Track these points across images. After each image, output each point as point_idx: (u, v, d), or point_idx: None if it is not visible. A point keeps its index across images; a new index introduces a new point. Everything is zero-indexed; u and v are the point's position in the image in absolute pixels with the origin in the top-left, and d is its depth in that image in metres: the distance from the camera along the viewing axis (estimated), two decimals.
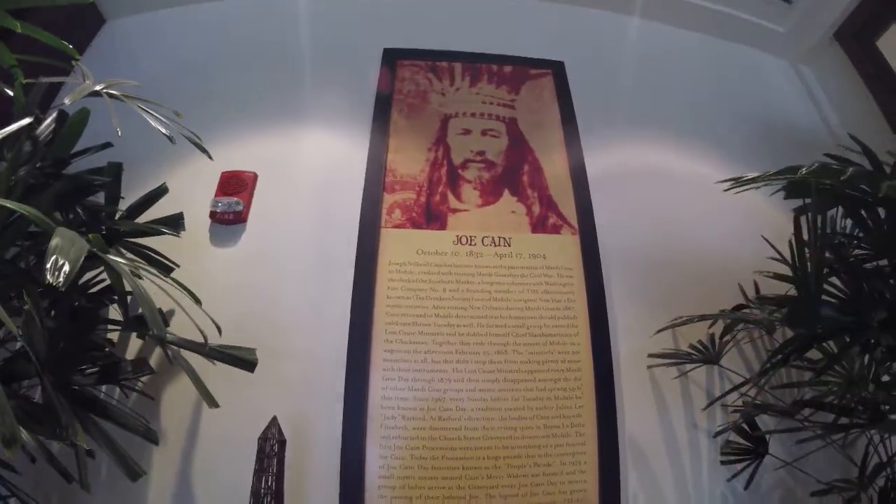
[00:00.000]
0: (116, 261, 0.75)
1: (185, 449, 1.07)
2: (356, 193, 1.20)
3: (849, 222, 1.00)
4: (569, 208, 1.21)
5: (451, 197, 1.19)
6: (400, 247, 1.13)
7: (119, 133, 0.82)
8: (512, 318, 1.10)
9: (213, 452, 1.05)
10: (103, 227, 1.00)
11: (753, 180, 0.96)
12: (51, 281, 0.60)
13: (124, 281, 0.73)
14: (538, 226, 1.18)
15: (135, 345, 1.11)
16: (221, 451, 1.04)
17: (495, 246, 1.15)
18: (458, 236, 1.15)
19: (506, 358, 1.07)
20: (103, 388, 1.05)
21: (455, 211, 1.18)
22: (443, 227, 1.16)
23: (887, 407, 0.87)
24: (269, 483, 0.89)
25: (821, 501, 1.09)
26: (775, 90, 1.62)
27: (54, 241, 0.65)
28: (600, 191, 1.26)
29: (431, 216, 1.17)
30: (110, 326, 1.05)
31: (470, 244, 1.15)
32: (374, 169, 1.20)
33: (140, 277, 0.82)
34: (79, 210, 1.00)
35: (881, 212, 0.94)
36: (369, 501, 0.99)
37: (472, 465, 1.01)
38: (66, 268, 0.62)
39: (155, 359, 1.12)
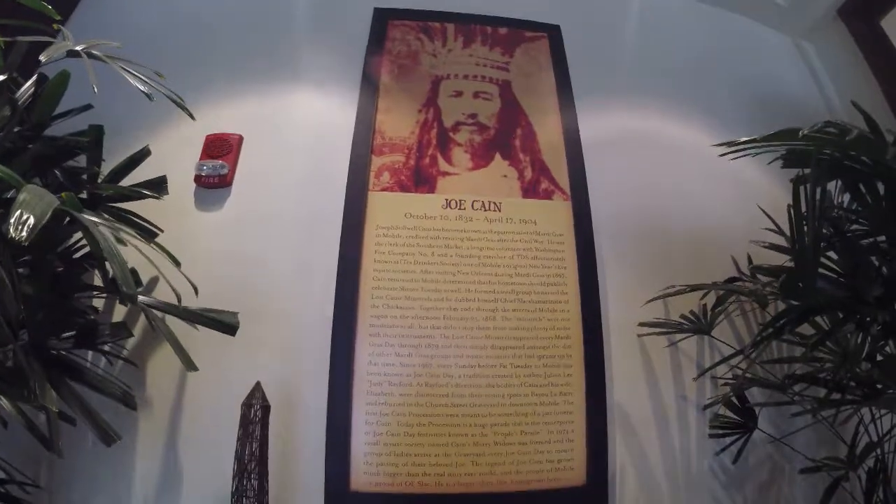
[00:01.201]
0: (90, 219, 0.73)
1: (171, 416, 1.06)
2: (344, 156, 1.17)
3: (847, 197, 0.98)
4: (561, 174, 1.18)
5: (440, 160, 1.16)
6: (388, 210, 1.10)
7: (95, 90, 0.79)
8: (501, 284, 1.08)
9: (199, 419, 1.05)
10: (84, 191, 0.97)
11: (749, 143, 0.93)
12: (13, 235, 0.58)
13: (98, 240, 0.70)
14: (529, 191, 1.15)
15: (120, 311, 1.09)
16: (208, 417, 1.04)
17: (485, 210, 1.13)
18: (447, 200, 1.12)
19: (494, 324, 1.05)
20: (89, 357, 1.04)
21: (445, 174, 1.15)
22: (432, 190, 1.13)
23: (880, 386, 0.85)
24: (254, 449, 0.88)
25: (809, 479, 1.10)
26: (775, 65, 1.58)
27: (21, 196, 0.62)
28: (594, 157, 1.23)
29: (420, 179, 1.14)
30: (96, 293, 1.04)
31: (459, 208, 1.12)
32: (363, 131, 1.17)
33: (123, 243, 0.80)
34: (57, 173, 0.96)
35: (881, 188, 0.91)
36: (355, 468, 0.98)
37: (458, 432, 1.00)
38: (31, 221, 0.60)
39: (140, 326, 1.10)
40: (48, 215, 0.62)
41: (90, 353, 1.04)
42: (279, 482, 0.98)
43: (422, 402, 1.01)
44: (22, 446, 0.92)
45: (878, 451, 0.95)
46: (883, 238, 0.92)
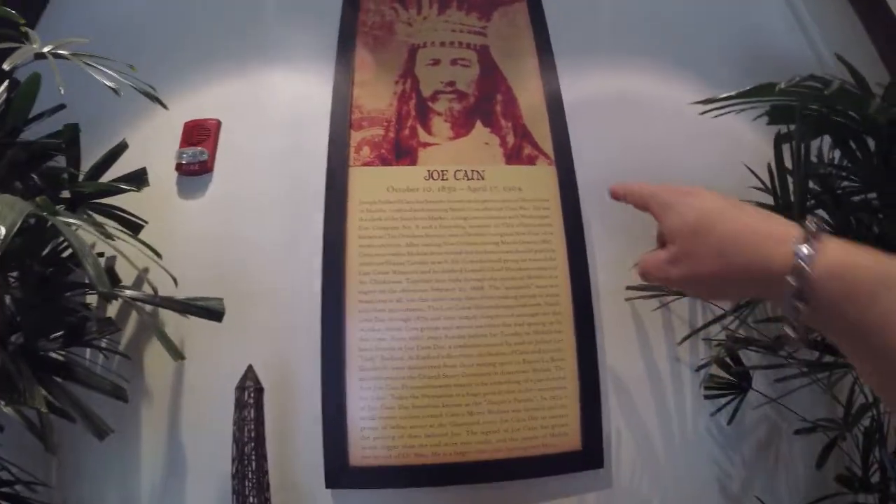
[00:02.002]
0: (62, 220, 0.74)
1: (171, 405, 1.07)
2: (323, 133, 1.15)
3: (837, 154, 0.95)
4: (544, 139, 1.15)
5: (420, 131, 1.13)
6: (370, 185, 1.09)
7: (62, 91, 0.79)
8: (487, 253, 1.07)
9: (197, 405, 1.06)
10: (66, 191, 0.98)
11: (728, 99, 0.91)
12: None
13: (71, 240, 0.71)
14: (512, 157, 1.13)
15: (114, 307, 1.09)
16: (205, 403, 1.05)
17: (468, 179, 1.11)
18: (429, 171, 1.10)
19: (482, 294, 1.05)
20: (87, 354, 1.05)
21: (426, 145, 1.13)
22: (413, 162, 1.11)
23: None
24: (251, 431, 0.88)
25: (806, 439, 1.10)
26: (764, 18, 1.52)
27: None
28: (577, 120, 1.20)
29: (401, 152, 1.12)
30: (88, 291, 1.03)
31: (442, 179, 1.10)
32: (340, 106, 1.14)
33: (111, 238, 0.83)
34: (34, 177, 0.97)
35: (871, 144, 0.89)
36: (352, 442, 0.99)
37: (452, 402, 1.01)
38: (1, 232, 0.62)
39: (133, 320, 1.10)
40: (18, 224, 0.64)
41: (88, 351, 1.05)
42: (279, 462, 1.00)
43: (414, 374, 1.01)
44: (30, 448, 0.93)
45: (874, 411, 0.94)
46: (874, 195, 0.90)
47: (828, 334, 0.32)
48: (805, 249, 0.30)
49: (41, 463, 1.01)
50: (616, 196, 0.47)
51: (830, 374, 0.91)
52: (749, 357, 1.10)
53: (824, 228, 0.31)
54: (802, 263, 0.30)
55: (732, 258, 0.34)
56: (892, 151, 0.85)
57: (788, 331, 0.32)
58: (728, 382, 1.06)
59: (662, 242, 0.41)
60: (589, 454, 1.03)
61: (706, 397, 1.09)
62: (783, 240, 0.31)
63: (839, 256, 0.29)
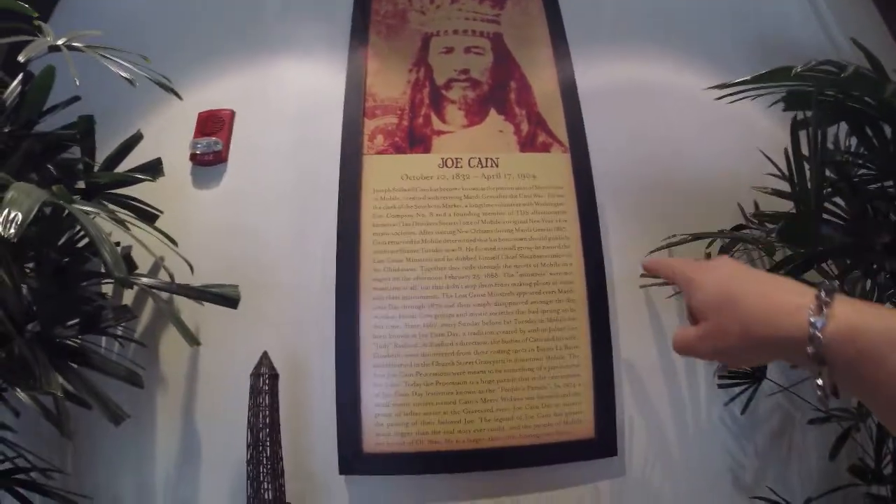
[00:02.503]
0: (79, 209, 0.75)
1: (186, 392, 1.08)
2: (336, 122, 1.15)
3: (853, 141, 0.94)
4: (559, 126, 1.15)
5: (434, 119, 1.13)
6: (383, 173, 1.09)
7: (77, 83, 0.81)
8: (502, 241, 1.06)
9: (212, 392, 1.07)
10: (81, 182, 0.99)
11: (743, 84, 0.90)
12: (2, 233, 0.60)
13: (87, 227, 0.73)
14: (527, 144, 1.13)
15: (129, 296, 1.11)
16: (220, 390, 1.06)
17: (482, 167, 1.11)
18: (443, 159, 1.10)
19: (496, 281, 1.05)
20: (103, 343, 1.07)
21: (440, 133, 1.13)
22: (427, 150, 1.11)
23: None
24: (265, 417, 0.89)
25: (820, 429, 1.09)
26: (777, 5, 1.49)
27: (9, 195, 0.64)
28: (592, 107, 1.20)
29: (415, 140, 1.12)
30: (105, 281, 1.06)
31: (456, 166, 1.10)
32: (353, 95, 1.14)
33: (126, 227, 0.84)
34: (50, 167, 0.98)
35: (887, 131, 0.87)
36: (367, 429, 1.00)
37: (466, 389, 1.01)
38: (19, 218, 0.62)
39: (149, 308, 1.12)
40: (35, 210, 0.65)
41: (104, 339, 1.07)
42: (293, 449, 1.00)
43: (428, 362, 1.02)
44: (46, 436, 0.96)
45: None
46: (891, 183, 0.89)
47: (850, 389, 0.35)
48: (818, 320, 0.33)
49: (57, 451, 1.03)
50: (648, 271, 0.52)
51: None
52: None
53: (835, 289, 0.35)
54: (817, 333, 0.33)
55: (756, 332, 0.37)
56: None
57: (817, 390, 0.35)
58: (742, 372, 1.06)
59: (692, 314, 0.44)
60: (602, 442, 1.03)
61: (720, 386, 1.09)
62: (798, 310, 0.35)
63: (849, 322, 0.33)
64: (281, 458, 0.90)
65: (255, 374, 0.90)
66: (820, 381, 0.34)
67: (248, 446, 0.88)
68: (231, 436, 0.98)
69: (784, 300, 0.36)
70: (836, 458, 0.99)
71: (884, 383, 0.31)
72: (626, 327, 1.12)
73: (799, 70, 0.84)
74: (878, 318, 0.32)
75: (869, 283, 0.91)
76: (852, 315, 0.33)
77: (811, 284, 0.94)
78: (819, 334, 0.33)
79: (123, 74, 0.88)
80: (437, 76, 1.18)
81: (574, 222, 1.09)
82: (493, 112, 1.15)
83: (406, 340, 1.02)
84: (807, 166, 0.89)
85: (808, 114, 0.89)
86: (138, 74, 0.90)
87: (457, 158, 1.11)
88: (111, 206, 1.00)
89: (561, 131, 1.14)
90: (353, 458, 0.99)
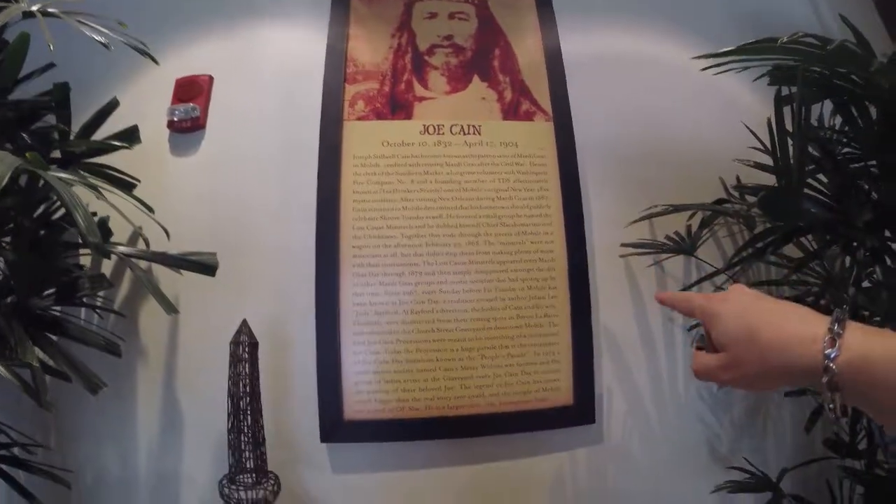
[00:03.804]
0: (54, 175, 0.73)
1: (166, 362, 1.07)
2: (317, 88, 1.13)
3: (838, 121, 0.94)
4: (543, 95, 1.13)
5: (416, 85, 1.11)
6: (364, 139, 1.07)
7: (52, 48, 0.78)
8: (483, 209, 1.06)
9: (193, 362, 1.06)
10: (57, 151, 0.97)
11: (729, 54, 0.89)
12: None
13: (61, 193, 0.71)
14: (510, 112, 1.12)
15: (107, 267, 1.09)
16: (201, 359, 1.05)
17: (465, 134, 1.09)
18: (424, 126, 1.09)
19: (477, 249, 1.05)
20: (82, 314, 1.06)
21: (421, 99, 1.11)
22: (409, 116, 1.09)
23: (867, 313, 0.85)
24: (245, 385, 0.89)
25: (796, 402, 1.12)
26: None
27: None
28: (577, 77, 1.18)
29: (396, 106, 1.10)
30: (82, 252, 1.04)
31: (438, 133, 1.09)
32: (334, 60, 1.12)
33: (103, 198, 0.82)
34: (24, 136, 0.96)
35: (873, 112, 0.87)
36: (347, 397, 1.00)
37: (446, 356, 1.02)
38: None
39: (128, 279, 1.10)
40: (7, 177, 0.64)
41: (83, 311, 1.06)
42: (274, 417, 1.00)
43: (408, 329, 1.02)
44: (29, 413, 0.95)
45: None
46: (874, 163, 0.89)
47: (861, 409, 0.39)
48: (831, 351, 0.36)
49: (40, 427, 1.02)
50: (661, 303, 0.56)
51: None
52: None
53: (845, 318, 0.38)
54: (830, 364, 0.36)
55: (773, 362, 0.40)
56: (895, 118, 0.84)
57: (829, 413, 0.38)
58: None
59: (709, 340, 0.47)
60: (580, 409, 1.04)
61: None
62: (813, 341, 0.38)
63: (860, 352, 0.36)
64: (262, 427, 0.89)
65: (235, 343, 0.89)
66: (832, 405, 0.37)
67: (229, 415, 0.88)
68: (212, 405, 0.97)
69: (798, 331, 0.39)
70: (811, 432, 1.02)
71: (892, 406, 0.35)
72: (605, 297, 1.12)
73: (785, 41, 0.83)
74: (886, 347, 0.35)
75: (848, 259, 0.92)
76: (863, 345, 0.36)
77: (791, 261, 0.95)
78: (833, 365, 0.36)
79: (99, 39, 0.86)
80: (419, 42, 1.16)
81: (556, 191, 1.08)
82: (476, 79, 1.13)
83: (386, 308, 1.02)
84: (790, 142, 0.89)
85: (794, 89, 0.89)
86: (114, 39, 0.88)
87: (439, 125, 1.09)
88: (88, 176, 0.99)
89: (545, 100, 1.13)
90: (334, 425, 1.00)
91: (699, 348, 0.49)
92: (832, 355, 0.36)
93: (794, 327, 0.40)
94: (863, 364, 0.35)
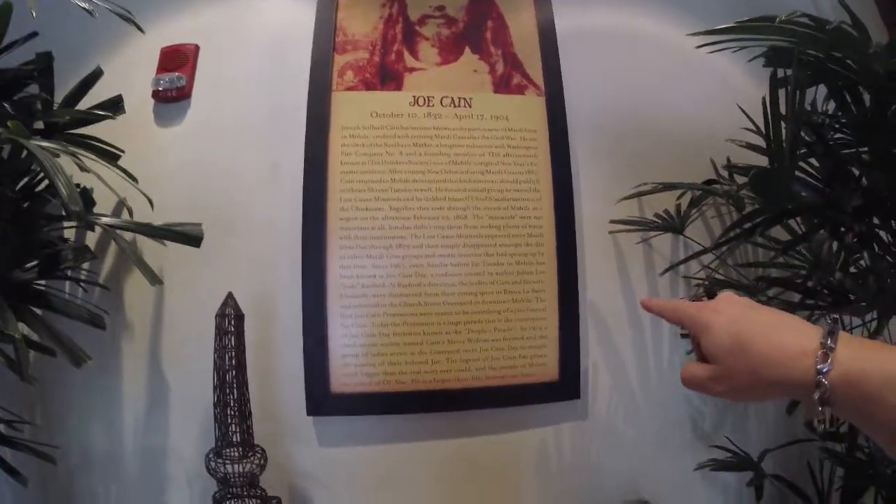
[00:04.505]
0: (36, 144, 0.72)
1: (152, 336, 1.07)
2: (305, 57, 1.10)
3: (831, 106, 0.94)
4: (535, 68, 1.12)
5: (407, 55, 1.09)
6: (353, 110, 1.06)
7: (34, 15, 0.75)
8: (472, 182, 1.05)
9: (179, 336, 1.06)
10: (40, 121, 0.94)
11: (725, 31, 0.88)
12: None
13: (42, 161, 0.70)
14: (501, 85, 1.10)
15: (92, 240, 1.07)
16: (187, 333, 1.04)
17: (455, 107, 1.08)
18: (414, 97, 1.07)
19: (465, 223, 1.04)
20: (66, 288, 1.04)
21: (412, 70, 1.09)
22: (398, 87, 1.08)
23: (853, 297, 0.85)
24: (231, 358, 0.88)
25: None
26: None
27: None
28: (571, 51, 1.17)
29: (386, 76, 1.08)
30: (67, 226, 1.02)
31: (428, 105, 1.07)
32: (323, 29, 1.09)
33: (87, 169, 0.81)
34: (6, 106, 0.93)
35: (866, 99, 0.87)
36: (334, 370, 1.00)
37: (432, 330, 1.02)
38: None
39: (113, 252, 1.08)
40: None
41: (67, 285, 1.04)
42: (261, 390, 1.00)
43: (395, 302, 1.02)
44: (16, 392, 0.94)
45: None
46: (865, 149, 0.89)
47: (852, 422, 0.39)
48: (823, 366, 0.36)
49: (26, 404, 1.01)
50: (648, 310, 0.53)
51: (811, 316, 0.92)
52: None
53: (837, 331, 0.37)
54: (822, 379, 0.36)
55: (763, 375, 0.40)
56: (888, 106, 0.84)
57: (816, 425, 0.38)
58: None
59: (698, 349, 0.47)
60: (566, 385, 1.05)
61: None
62: (804, 356, 0.38)
63: (852, 367, 0.36)
64: (248, 400, 0.89)
65: (221, 315, 0.89)
66: (821, 417, 0.37)
67: (215, 388, 0.88)
68: (199, 379, 0.97)
69: (790, 344, 0.39)
70: (793, 414, 1.03)
71: (885, 421, 0.35)
72: (593, 272, 1.13)
73: (783, 18, 0.82)
74: (879, 361, 0.35)
75: (836, 244, 0.92)
76: (855, 359, 0.36)
77: (778, 243, 0.95)
78: (825, 380, 0.36)
79: (83, 5, 0.83)
80: (410, 11, 1.13)
81: (546, 166, 1.08)
82: (467, 51, 1.12)
83: (373, 280, 1.02)
84: (783, 124, 0.89)
85: (789, 72, 0.88)
86: (99, 6, 0.85)
87: (429, 97, 1.08)
88: (71, 148, 0.97)
89: (537, 74, 1.12)
90: (321, 398, 1.00)
91: (690, 352, 0.48)
92: (824, 370, 0.36)
93: (786, 340, 0.39)
94: (855, 380, 0.35)
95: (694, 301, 0.49)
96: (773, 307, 0.44)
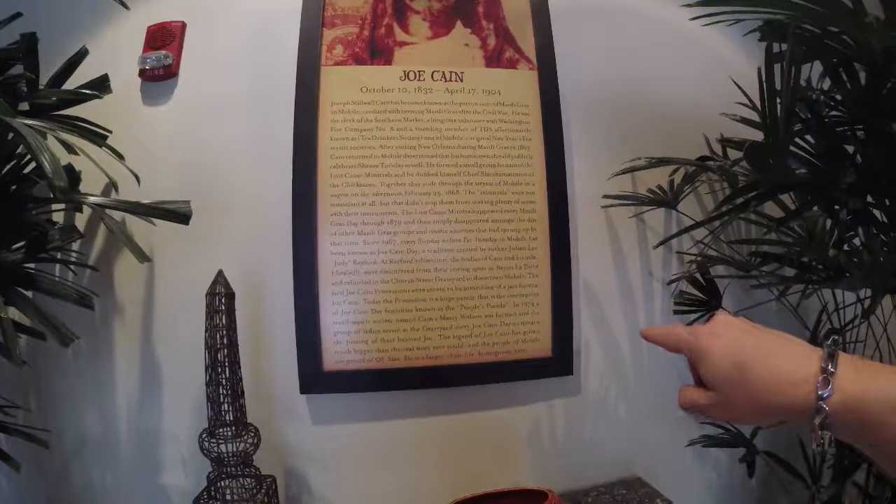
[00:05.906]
0: (20, 122, 0.71)
1: (143, 317, 1.06)
2: (293, 32, 1.08)
3: (827, 84, 0.93)
4: (527, 42, 1.10)
5: (397, 29, 1.07)
6: (342, 85, 1.04)
7: None
8: (463, 157, 1.04)
9: (170, 316, 1.05)
10: (25, 104, 0.92)
11: (721, 3, 0.86)
12: None
13: (26, 137, 0.69)
14: (493, 60, 1.09)
15: (81, 221, 1.06)
16: (178, 312, 1.03)
17: (446, 81, 1.06)
18: (405, 72, 1.06)
19: (457, 198, 1.03)
20: (57, 271, 1.03)
21: (402, 44, 1.07)
22: (389, 62, 1.06)
23: (847, 273, 0.85)
24: (222, 337, 0.87)
25: None
26: None
27: None
28: (564, 25, 1.15)
29: (376, 51, 1.06)
30: (55, 208, 1.01)
31: (418, 80, 1.06)
32: (312, 3, 1.07)
33: (75, 152, 0.80)
34: None
35: (862, 77, 0.86)
36: (326, 348, 1.00)
37: (425, 306, 1.01)
38: None
39: (102, 234, 1.07)
40: None
41: (57, 268, 1.03)
42: (253, 369, 1.00)
43: (387, 279, 1.01)
44: (7, 376, 0.94)
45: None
46: (860, 127, 0.89)
47: (853, 444, 0.39)
48: (824, 392, 0.36)
49: (19, 389, 1.00)
50: (647, 339, 0.52)
51: (804, 291, 0.92)
52: (723, 283, 1.10)
53: (837, 353, 0.38)
54: (823, 405, 0.36)
55: (763, 400, 0.40)
56: (884, 83, 0.84)
57: (815, 447, 0.38)
58: (698, 299, 1.08)
59: (695, 374, 0.46)
60: (559, 361, 1.05)
61: (675, 313, 1.11)
62: (804, 382, 0.37)
63: (853, 392, 0.36)
64: (240, 379, 0.89)
65: (211, 294, 0.88)
66: (821, 441, 0.38)
67: (207, 368, 0.87)
68: (190, 358, 0.96)
69: (790, 370, 0.39)
70: None
71: (885, 444, 0.36)
72: (586, 248, 1.13)
73: None
74: (880, 385, 0.35)
75: (829, 222, 0.92)
76: (857, 384, 0.36)
77: (771, 220, 0.94)
78: (825, 406, 0.36)
79: None
80: None
81: (538, 141, 1.07)
82: (459, 24, 1.10)
83: (365, 257, 1.01)
84: (778, 99, 0.89)
85: (784, 47, 0.87)
86: None
87: (419, 71, 1.06)
88: (57, 129, 0.95)
89: (529, 48, 1.10)
90: (314, 376, 1.00)
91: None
92: (825, 395, 0.36)
93: (785, 366, 0.39)
94: (856, 405, 0.35)
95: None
96: (772, 331, 0.44)
